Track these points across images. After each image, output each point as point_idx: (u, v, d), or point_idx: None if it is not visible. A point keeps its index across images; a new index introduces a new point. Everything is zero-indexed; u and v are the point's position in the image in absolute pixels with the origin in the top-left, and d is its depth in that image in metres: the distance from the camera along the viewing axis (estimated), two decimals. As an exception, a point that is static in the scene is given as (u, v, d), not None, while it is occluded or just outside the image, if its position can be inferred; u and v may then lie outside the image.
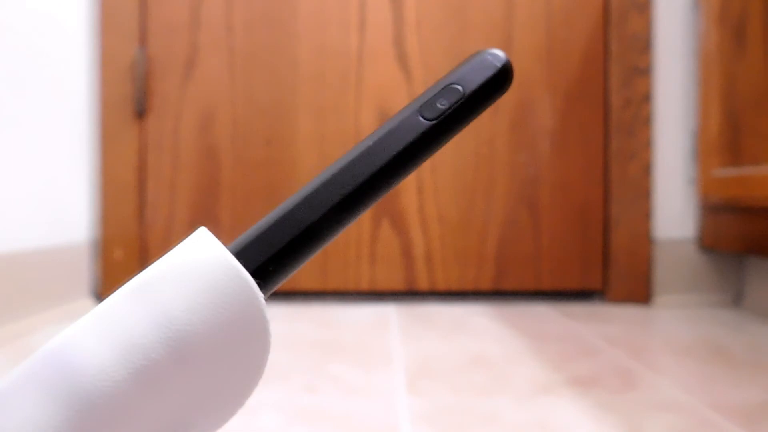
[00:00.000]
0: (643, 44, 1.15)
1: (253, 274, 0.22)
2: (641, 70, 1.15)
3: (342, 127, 1.19)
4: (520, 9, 1.19)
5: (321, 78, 1.19)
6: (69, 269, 1.06)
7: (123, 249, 1.16)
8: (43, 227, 0.99)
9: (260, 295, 0.21)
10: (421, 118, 0.24)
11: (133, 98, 1.17)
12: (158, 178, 1.18)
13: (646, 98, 1.15)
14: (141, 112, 1.17)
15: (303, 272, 1.19)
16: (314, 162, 1.19)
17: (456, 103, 0.24)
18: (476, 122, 1.19)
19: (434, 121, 0.24)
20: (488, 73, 0.25)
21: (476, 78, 0.25)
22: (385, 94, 1.19)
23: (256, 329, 0.21)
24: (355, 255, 1.19)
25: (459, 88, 0.24)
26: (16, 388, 0.20)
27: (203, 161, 1.19)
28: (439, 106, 0.24)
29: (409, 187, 1.19)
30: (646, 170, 1.16)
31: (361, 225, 1.19)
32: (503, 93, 0.25)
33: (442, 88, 0.24)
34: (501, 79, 0.25)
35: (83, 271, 1.11)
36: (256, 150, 1.19)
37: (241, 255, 0.22)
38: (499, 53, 0.25)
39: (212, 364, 0.20)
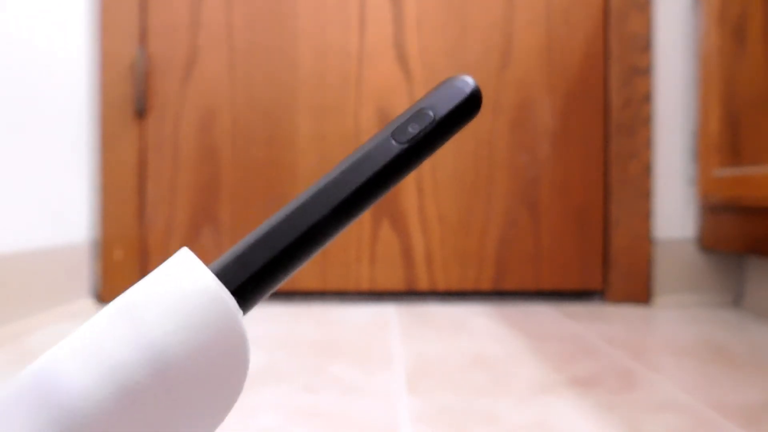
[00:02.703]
0: (643, 44, 1.15)
1: (233, 294, 0.23)
2: (641, 70, 1.15)
3: (342, 127, 1.19)
4: (520, 9, 1.19)
5: (321, 78, 1.19)
6: (69, 269, 1.06)
7: (123, 249, 1.16)
8: (43, 227, 0.99)
9: (240, 314, 0.22)
10: (393, 142, 0.25)
11: (133, 98, 1.17)
12: (158, 178, 1.18)
13: (646, 98, 1.15)
14: (141, 112, 1.17)
15: (303, 272, 1.19)
16: (314, 162, 1.19)
17: (426, 127, 0.25)
18: (476, 122, 1.19)
19: (406, 145, 0.25)
20: (458, 98, 0.26)
21: (446, 103, 0.26)
22: (385, 95, 1.19)
23: (235, 348, 0.22)
24: (355, 255, 1.19)
25: (430, 113, 0.26)
26: (2, 410, 0.20)
27: (203, 161, 1.19)
28: (410, 130, 0.25)
29: (409, 187, 1.19)
30: (646, 170, 1.16)
31: (361, 225, 1.19)
32: (472, 118, 0.27)
33: (414, 113, 0.26)
34: (470, 104, 0.26)
35: (83, 271, 1.11)
36: (256, 150, 1.19)
37: (221, 276, 0.23)
38: (469, 80, 0.26)
39: (193, 383, 0.21)
